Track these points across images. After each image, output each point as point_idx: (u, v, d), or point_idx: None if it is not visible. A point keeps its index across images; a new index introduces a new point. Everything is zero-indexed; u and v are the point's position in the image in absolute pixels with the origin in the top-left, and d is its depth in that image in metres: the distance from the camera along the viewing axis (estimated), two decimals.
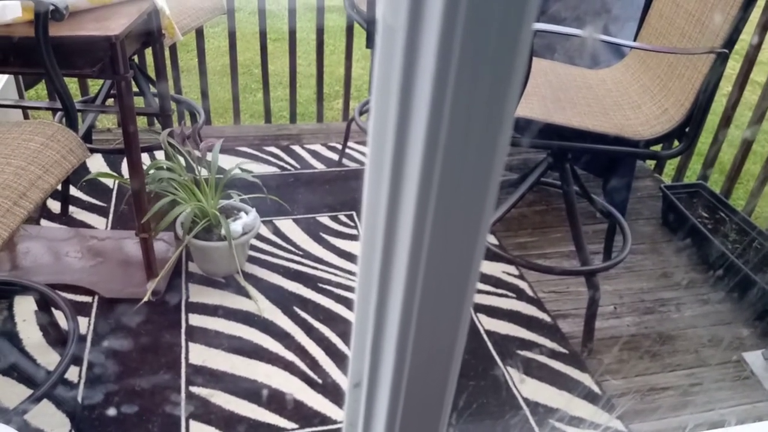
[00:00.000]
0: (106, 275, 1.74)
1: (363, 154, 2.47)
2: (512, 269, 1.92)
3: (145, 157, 2.00)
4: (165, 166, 1.72)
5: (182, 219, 1.72)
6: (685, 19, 1.57)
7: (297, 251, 1.93)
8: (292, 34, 2.49)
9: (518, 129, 1.47)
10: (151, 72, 1.95)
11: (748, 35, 1.99)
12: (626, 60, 1.83)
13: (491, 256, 1.82)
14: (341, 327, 1.65)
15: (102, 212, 2.04)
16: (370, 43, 2.02)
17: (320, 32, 2.52)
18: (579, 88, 1.73)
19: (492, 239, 2.01)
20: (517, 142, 1.45)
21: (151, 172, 1.71)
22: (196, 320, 1.65)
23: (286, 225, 2.03)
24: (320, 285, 1.80)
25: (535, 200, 2.23)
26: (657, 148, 1.56)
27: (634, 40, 1.87)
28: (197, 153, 1.75)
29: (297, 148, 2.48)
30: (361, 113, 2.30)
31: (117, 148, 2.29)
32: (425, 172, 0.26)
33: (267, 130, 2.64)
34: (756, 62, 2.11)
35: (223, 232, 1.69)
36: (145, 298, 1.66)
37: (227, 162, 2.06)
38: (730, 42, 1.39)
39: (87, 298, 1.69)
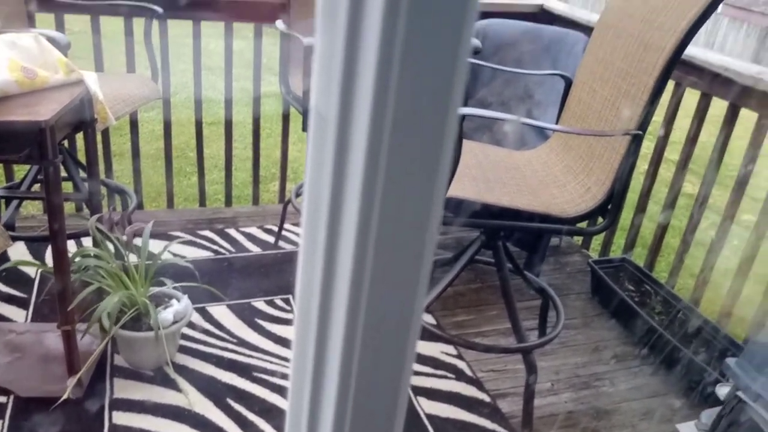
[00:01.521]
0: (24, 372, 1.63)
1: (299, 236, 2.45)
2: (451, 349, 1.91)
3: (71, 244, 1.92)
4: (92, 254, 1.66)
5: (109, 309, 1.64)
6: (601, 103, 1.68)
7: (231, 339, 1.86)
8: (228, 122, 2.52)
9: (451, 209, 1.50)
10: (82, 156, 1.91)
11: (660, 117, 2.15)
12: (550, 142, 1.94)
13: (429, 336, 1.82)
14: (278, 420, 1.58)
15: (22, 304, 1.93)
16: (306, 126, 2.06)
17: (257, 116, 2.56)
18: (507, 168, 1.80)
19: (429, 319, 2.01)
20: (451, 222, 1.49)
21: (78, 259, 1.64)
22: (121, 418, 1.55)
23: (220, 311, 1.97)
24: (255, 374, 1.74)
25: (470, 278, 2.26)
26: (583, 224, 1.63)
27: (556, 123, 1.98)
28: (124, 238, 1.70)
29: (232, 232, 2.45)
30: (297, 195, 2.31)
31: (41, 235, 2.19)
32: (358, 254, 0.26)
33: (201, 213, 2.60)
34: (669, 142, 2.26)
35: (152, 321, 1.63)
36: (65, 396, 1.55)
37: (159, 247, 2.00)
38: (644, 124, 1.49)
39: (2, 398, 1.56)
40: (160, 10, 2.09)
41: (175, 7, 2.27)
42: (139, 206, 2.53)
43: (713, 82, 1.99)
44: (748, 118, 1.96)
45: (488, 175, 1.71)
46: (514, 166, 1.83)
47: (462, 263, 1.72)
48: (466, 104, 2.31)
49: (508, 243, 1.82)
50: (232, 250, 2.32)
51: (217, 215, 2.59)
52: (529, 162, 1.86)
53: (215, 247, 2.33)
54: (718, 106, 2.04)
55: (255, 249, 2.35)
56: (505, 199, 1.58)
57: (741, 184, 1.96)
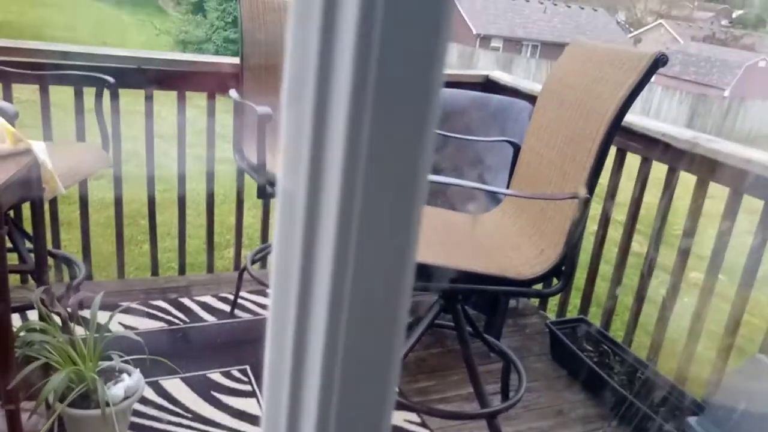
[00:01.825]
0: None
1: (256, 304, 2.41)
2: (414, 416, 1.87)
3: (15, 318, 1.84)
4: (38, 327, 1.58)
5: (55, 386, 1.56)
6: (549, 168, 1.74)
7: (186, 414, 1.79)
8: (181, 189, 2.49)
9: None
10: (28, 225, 1.85)
11: (605, 179, 2.23)
12: (502, 205, 1.98)
13: None
14: None
15: None
16: (260, 193, 2.05)
17: (210, 182, 2.54)
18: (462, 232, 1.83)
19: None
20: None
21: (22, 334, 1.57)
22: None
23: (174, 385, 1.90)
24: None
25: (431, 342, 2.24)
26: (539, 286, 1.65)
27: (507, 188, 2.04)
28: (73, 310, 1.63)
29: (186, 301, 2.38)
30: (253, 262, 2.28)
31: None
32: (330, 331, 0.26)
33: (154, 282, 2.53)
34: (615, 203, 2.35)
35: (101, 397, 1.55)
36: None
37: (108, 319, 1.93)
38: (591, 187, 1.54)
39: None
40: (111, 80, 2.09)
41: (127, 77, 2.28)
42: (88, 276, 2.44)
43: (652, 146, 2.09)
44: (688, 179, 2.05)
45: (444, 238, 1.73)
46: (469, 229, 1.86)
47: (422, 328, 1.72)
48: None
49: (467, 306, 1.83)
50: (186, 320, 2.26)
51: (170, 284, 2.52)
52: (483, 225, 1.89)
53: (168, 318, 2.26)
54: (660, 169, 2.13)
55: (210, 318, 2.28)
56: (462, 262, 1.59)
57: (685, 243, 2.04)
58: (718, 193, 1.96)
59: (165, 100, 2.58)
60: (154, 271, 2.61)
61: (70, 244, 2.83)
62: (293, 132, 0.25)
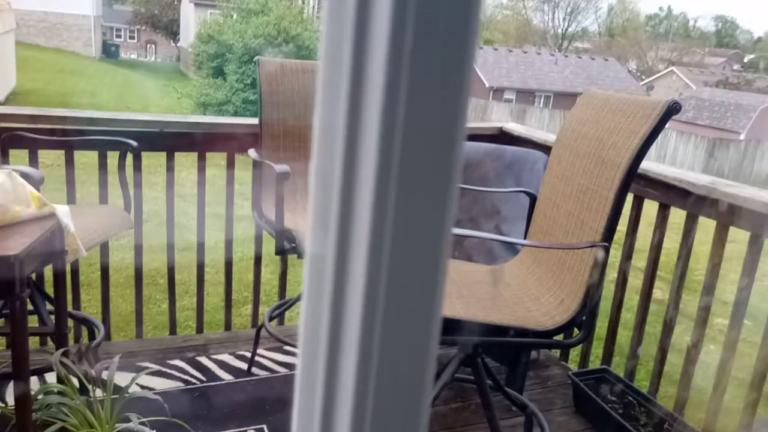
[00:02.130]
0: None
1: (273, 361, 2.39)
2: None
3: (34, 381, 1.84)
4: (56, 390, 1.58)
5: None
6: (566, 217, 1.74)
7: None
8: (201, 247, 2.52)
9: None
10: (49, 287, 1.88)
11: (624, 226, 2.22)
12: (520, 256, 1.97)
13: None
14: None
15: None
16: (279, 250, 2.07)
17: (229, 239, 2.57)
18: (480, 283, 1.82)
19: None
20: None
21: (40, 397, 1.57)
22: None
23: None
24: None
25: (450, 397, 2.20)
26: (560, 337, 1.62)
27: (524, 238, 2.03)
28: (92, 372, 1.64)
29: (204, 360, 2.37)
30: (270, 318, 2.28)
31: (3, 372, 2.10)
32: (358, 390, 0.26)
33: (171, 342, 2.53)
34: (635, 250, 2.32)
35: None
36: None
37: (126, 380, 1.93)
38: (609, 235, 1.54)
39: None
40: (134, 143, 2.15)
41: (149, 140, 2.34)
42: (107, 337, 2.45)
43: (670, 192, 2.09)
44: (708, 224, 2.03)
45: (462, 291, 1.72)
46: (487, 281, 1.85)
47: (442, 382, 1.69)
48: None
49: (487, 359, 1.80)
50: (204, 379, 2.24)
51: (187, 343, 2.52)
52: (501, 276, 1.88)
53: (186, 377, 2.24)
54: (679, 215, 2.12)
55: (227, 377, 2.27)
56: (481, 314, 1.58)
57: (708, 289, 2.00)
58: (739, 237, 1.93)
59: (184, 161, 2.64)
60: (172, 330, 2.61)
61: (89, 304, 2.85)
62: (321, 195, 0.26)
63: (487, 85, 26.07)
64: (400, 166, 0.24)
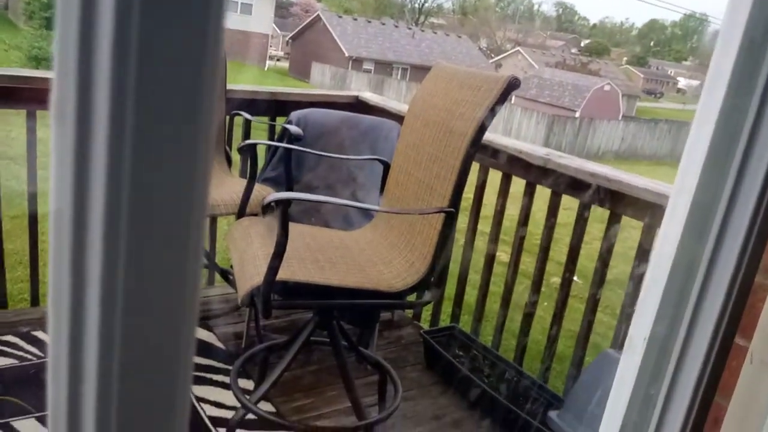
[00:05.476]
0: None
1: None
2: None
3: None
4: None
5: None
6: (417, 184, 1.81)
7: None
8: (33, 215, 2.31)
9: (282, 292, 1.50)
10: None
11: (471, 194, 2.36)
12: (374, 221, 2.03)
13: (269, 425, 1.75)
14: None
15: None
16: None
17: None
18: (336, 248, 1.85)
19: (268, 407, 1.94)
20: (283, 305, 1.48)
21: None
22: None
23: (29, 427, 1.74)
24: None
25: (307, 360, 2.23)
26: (411, 297, 1.70)
27: (378, 204, 2.09)
28: None
29: (40, 334, 2.20)
30: None
31: None
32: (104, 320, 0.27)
33: (3, 316, 2.32)
34: (481, 216, 2.48)
35: None
36: None
37: None
38: (456, 201, 1.63)
39: None
40: None
41: None
42: None
43: (511, 163, 2.24)
44: (546, 193, 2.21)
45: (317, 256, 1.74)
46: (342, 246, 1.88)
47: (297, 346, 1.71)
48: (292, 189, 2.36)
49: (342, 321, 1.85)
50: (41, 354, 2.08)
51: (21, 317, 2.32)
52: (356, 241, 1.93)
53: (20, 353, 2.07)
54: (520, 183, 2.29)
55: None
56: (335, 278, 1.61)
57: (545, 251, 2.20)
58: (573, 206, 2.12)
59: (15, 120, 2.39)
60: (3, 304, 2.39)
61: None
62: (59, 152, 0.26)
63: (346, 55, 26.12)
64: (135, 113, 0.26)
